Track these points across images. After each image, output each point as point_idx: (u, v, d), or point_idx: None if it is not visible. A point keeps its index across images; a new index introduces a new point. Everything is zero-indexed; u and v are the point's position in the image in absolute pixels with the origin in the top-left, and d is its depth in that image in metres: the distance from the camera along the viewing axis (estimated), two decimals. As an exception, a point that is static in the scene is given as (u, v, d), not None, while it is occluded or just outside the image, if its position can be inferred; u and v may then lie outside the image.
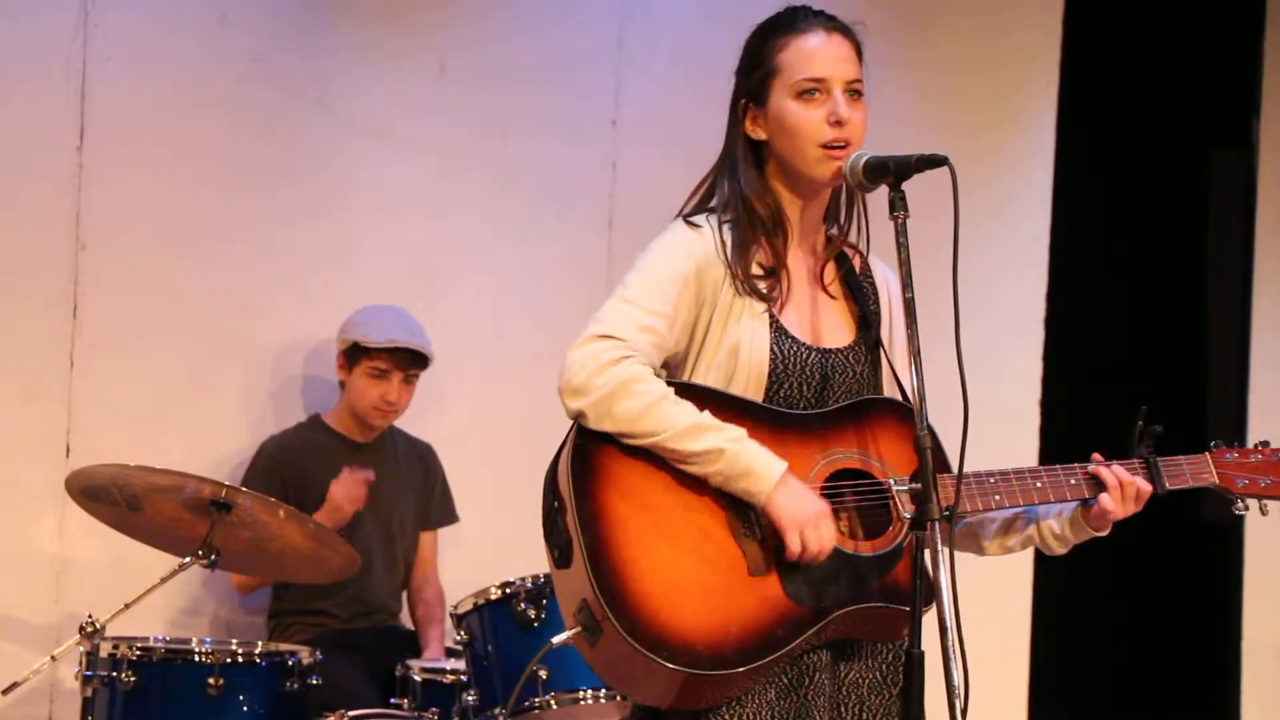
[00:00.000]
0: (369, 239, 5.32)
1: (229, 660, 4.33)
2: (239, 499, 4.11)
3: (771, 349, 2.88)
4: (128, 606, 4.11)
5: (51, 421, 4.90)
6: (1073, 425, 6.17)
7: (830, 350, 2.94)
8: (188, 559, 4.15)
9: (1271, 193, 6.57)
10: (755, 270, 2.91)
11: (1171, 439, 3.04)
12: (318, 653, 4.50)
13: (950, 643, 2.62)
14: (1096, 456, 3.00)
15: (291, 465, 4.99)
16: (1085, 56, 6.33)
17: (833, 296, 3.01)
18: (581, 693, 4.19)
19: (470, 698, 4.32)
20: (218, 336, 5.11)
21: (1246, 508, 3.08)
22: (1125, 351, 6.49)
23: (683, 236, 2.91)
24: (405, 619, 5.18)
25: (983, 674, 2.78)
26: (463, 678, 4.43)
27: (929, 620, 2.68)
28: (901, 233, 2.79)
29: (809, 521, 2.77)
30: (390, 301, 5.11)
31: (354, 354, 4.98)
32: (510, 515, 5.01)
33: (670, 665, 2.71)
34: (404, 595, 5.20)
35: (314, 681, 4.44)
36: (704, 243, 2.90)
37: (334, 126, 5.27)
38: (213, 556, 4.14)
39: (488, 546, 5.36)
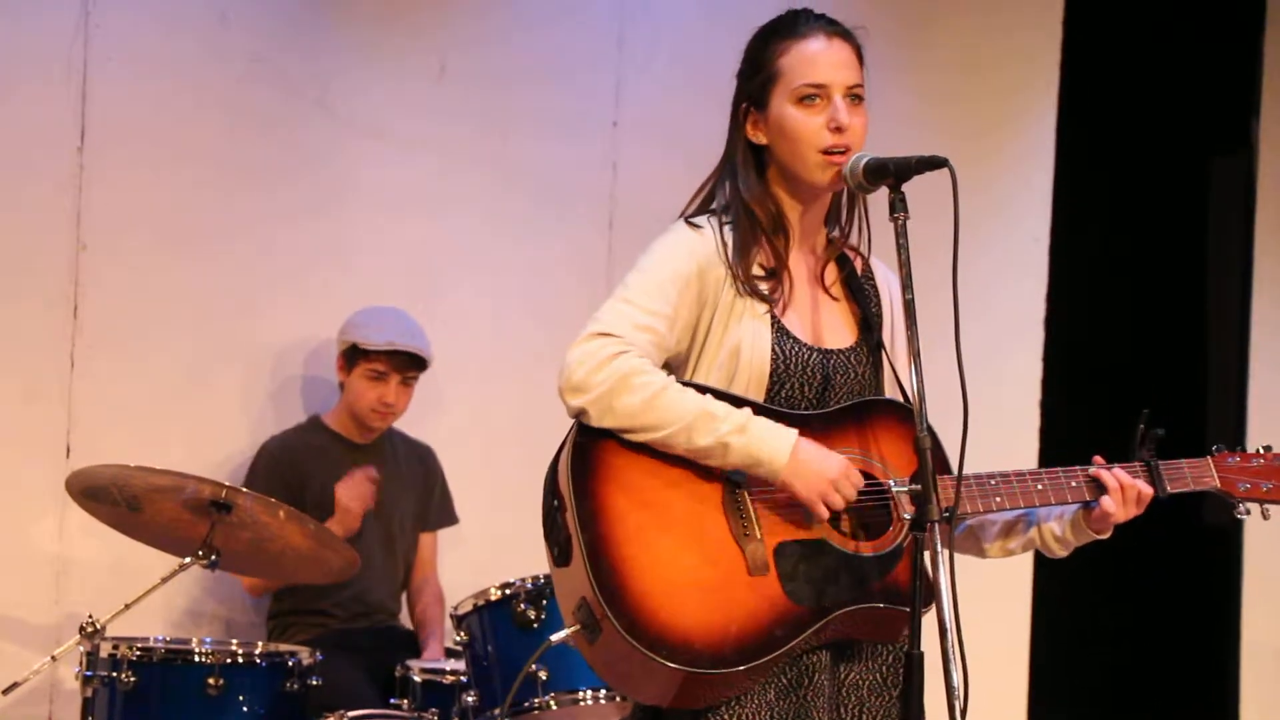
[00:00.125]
0: (369, 239, 5.32)
1: (229, 660, 4.33)
2: (239, 499, 4.11)
3: (773, 349, 2.89)
4: (128, 607, 4.11)
5: (52, 421, 4.90)
6: (1073, 426, 6.17)
7: (832, 351, 2.95)
8: (188, 559, 4.15)
9: (1271, 194, 6.57)
10: (756, 271, 2.92)
11: (1171, 440, 3.04)
12: (317, 653, 4.50)
13: (950, 644, 2.62)
14: (1098, 459, 3.00)
15: (292, 466, 4.99)
16: (1085, 58, 6.33)
17: (834, 298, 3.01)
18: (581, 693, 4.19)
19: (470, 698, 4.32)
20: (218, 337, 5.11)
21: (1248, 512, 3.09)
22: (1125, 353, 6.49)
23: (684, 237, 2.91)
24: (405, 619, 5.18)
25: (982, 676, 2.79)
26: (462, 678, 4.43)
27: (929, 621, 2.68)
28: (901, 234, 2.79)
29: (827, 489, 2.78)
30: (390, 302, 5.11)
31: (353, 356, 4.98)
32: (510, 516, 5.01)
33: (669, 664, 2.71)
34: (403, 596, 5.20)
35: (314, 682, 4.44)
36: (705, 243, 2.90)
37: (334, 126, 5.27)
38: (213, 557, 4.14)
39: (488, 547, 5.36)
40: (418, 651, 5.00)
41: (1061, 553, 3.04)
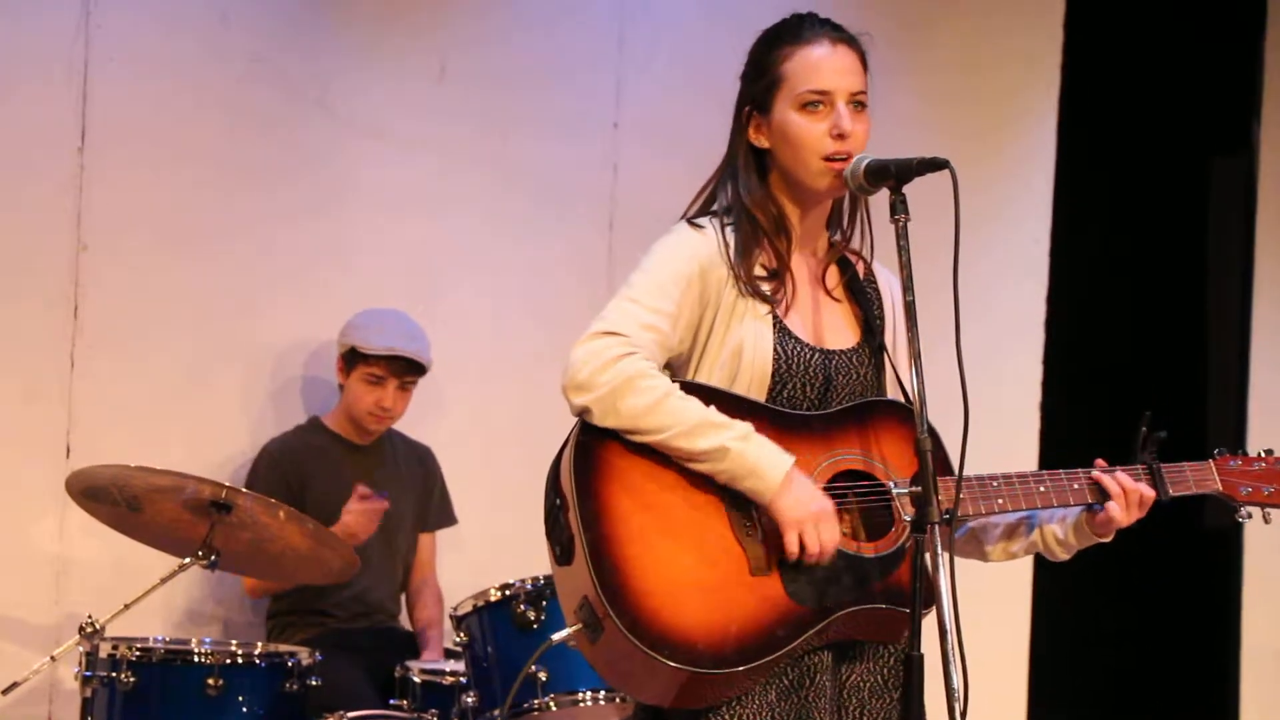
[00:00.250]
0: (369, 239, 5.32)
1: (228, 661, 4.33)
2: (239, 500, 4.11)
3: (775, 349, 2.89)
4: (127, 607, 4.11)
5: (52, 422, 4.90)
6: (1073, 428, 6.17)
7: (834, 351, 2.95)
8: (188, 560, 4.15)
9: (1272, 195, 6.57)
10: (758, 272, 2.92)
11: (1171, 443, 3.04)
12: (317, 654, 4.50)
13: (950, 646, 2.62)
14: (1100, 463, 3.00)
15: (293, 467, 4.99)
16: (1086, 59, 6.33)
17: (836, 300, 3.02)
18: (581, 694, 4.19)
19: (469, 699, 4.32)
20: (218, 337, 5.11)
21: (1249, 515, 3.09)
22: (1125, 354, 6.49)
23: (686, 238, 2.91)
24: (404, 620, 5.18)
25: (982, 678, 2.79)
26: (462, 679, 4.43)
27: (929, 623, 2.68)
28: (902, 235, 2.79)
29: (808, 522, 2.77)
30: (390, 302, 5.10)
31: (352, 358, 4.97)
32: (510, 516, 5.01)
33: (671, 663, 2.71)
34: (403, 597, 5.19)
35: (313, 682, 4.44)
36: (707, 244, 2.90)
37: (334, 127, 5.27)
38: (213, 557, 4.14)
39: (487, 548, 5.36)
40: (417, 652, 5.00)
41: (1064, 556, 3.04)
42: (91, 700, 4.17)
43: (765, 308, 2.90)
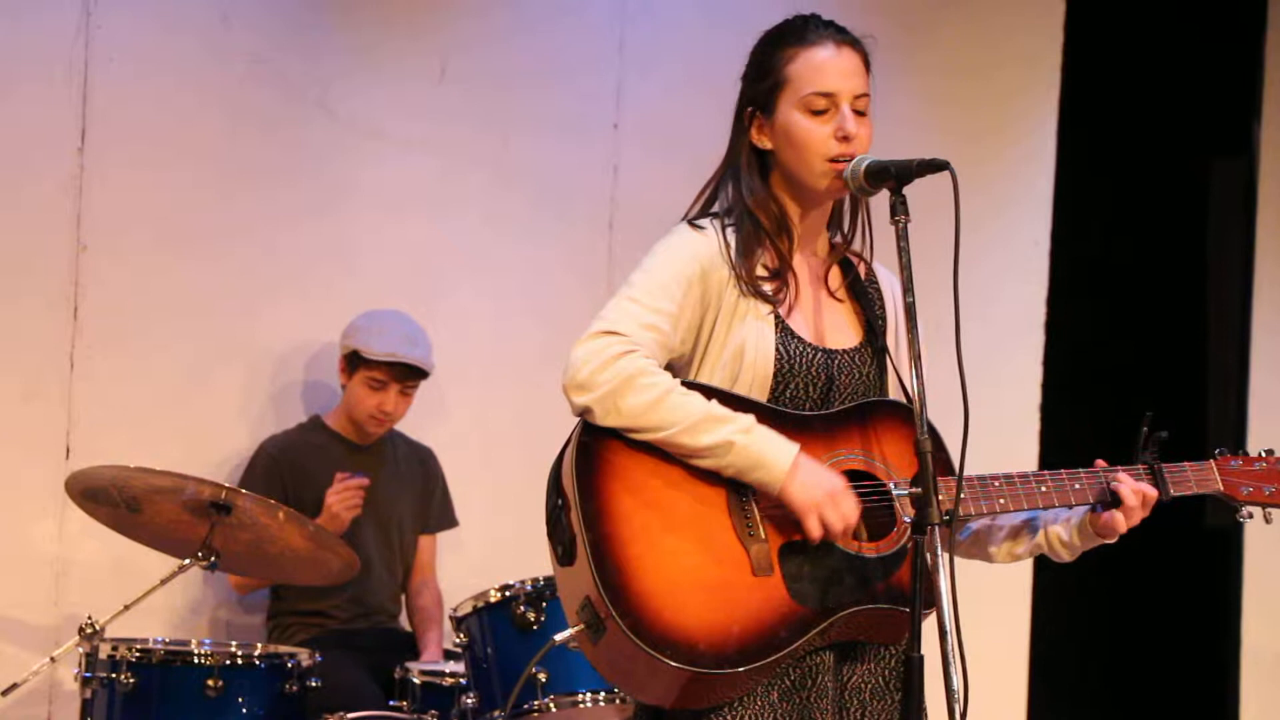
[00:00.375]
0: (369, 240, 5.32)
1: (228, 662, 4.33)
2: (239, 501, 4.11)
3: (777, 349, 2.89)
4: (127, 608, 4.12)
5: (51, 422, 4.90)
6: (1073, 430, 6.17)
7: (836, 351, 2.95)
8: (187, 560, 4.15)
9: (1272, 197, 6.57)
10: (760, 272, 2.92)
11: (1171, 443, 3.04)
12: (317, 654, 4.50)
13: (950, 647, 2.62)
14: (1101, 463, 3.00)
15: (291, 465, 4.99)
16: (1086, 61, 6.33)
17: (838, 300, 3.02)
18: (581, 695, 4.19)
19: (469, 700, 4.32)
20: (218, 338, 5.11)
21: (1250, 515, 3.09)
22: (1125, 355, 6.49)
23: (687, 238, 2.91)
24: (404, 621, 5.18)
25: (982, 679, 2.78)
26: (462, 680, 4.43)
27: (930, 624, 2.68)
28: (902, 237, 2.79)
29: (825, 503, 2.77)
30: (390, 303, 5.10)
31: (354, 361, 4.97)
32: (510, 518, 5.02)
33: (673, 664, 2.70)
34: (403, 598, 5.19)
35: (313, 683, 4.44)
36: (708, 244, 2.90)
37: (334, 128, 5.27)
38: (212, 558, 4.14)
39: (487, 549, 5.36)
40: (417, 653, 5.00)
41: (1068, 557, 3.04)
42: (91, 701, 4.17)
43: (767, 308, 2.90)
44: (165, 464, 4.20)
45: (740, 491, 2.82)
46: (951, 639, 2.62)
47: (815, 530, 2.77)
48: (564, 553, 2.80)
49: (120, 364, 4.97)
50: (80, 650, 4.10)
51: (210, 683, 4.27)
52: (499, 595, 4.31)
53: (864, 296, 3.03)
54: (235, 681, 4.32)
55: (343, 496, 4.81)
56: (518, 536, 4.46)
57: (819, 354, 2.92)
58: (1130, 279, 6.54)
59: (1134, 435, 3.02)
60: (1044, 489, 2.95)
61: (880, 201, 2.91)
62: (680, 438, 2.77)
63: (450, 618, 4.48)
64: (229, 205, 5.14)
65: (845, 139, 2.88)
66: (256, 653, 4.43)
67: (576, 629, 2.80)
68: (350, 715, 4.38)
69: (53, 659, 4.10)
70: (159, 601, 4.64)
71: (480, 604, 4.33)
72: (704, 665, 2.72)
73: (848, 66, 2.92)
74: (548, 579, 4.24)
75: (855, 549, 2.83)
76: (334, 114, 5.26)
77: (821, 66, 2.91)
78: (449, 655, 4.94)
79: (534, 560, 3.66)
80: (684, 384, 2.83)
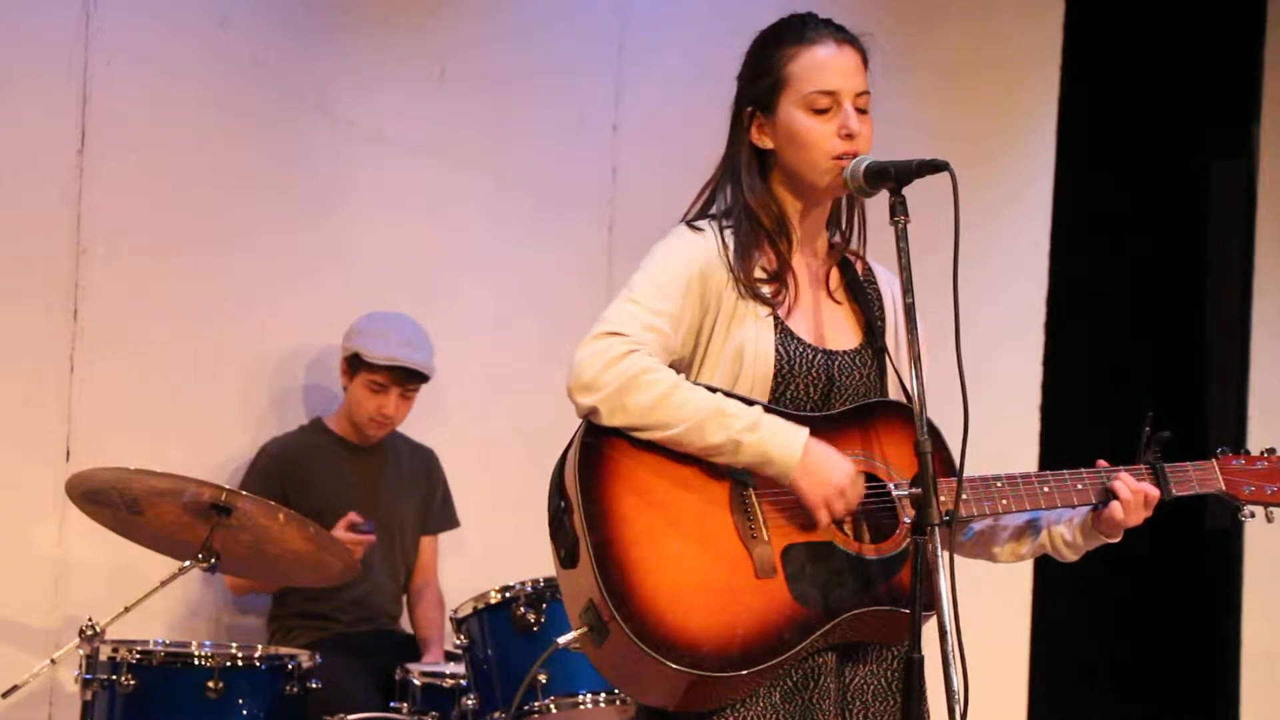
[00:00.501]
0: (369, 243, 5.33)
1: (229, 664, 4.33)
2: (239, 502, 4.11)
3: (777, 350, 2.89)
4: (127, 610, 4.11)
5: (52, 425, 4.89)
6: (1073, 431, 6.18)
7: (836, 352, 2.95)
8: (188, 562, 4.15)
9: (1272, 199, 6.57)
10: (758, 274, 2.92)
11: (1172, 444, 3.04)
12: (317, 656, 4.50)
13: (949, 648, 2.62)
14: (1102, 463, 3.00)
15: (291, 467, 4.99)
16: (1086, 62, 6.34)
17: (837, 302, 3.02)
18: (581, 697, 4.19)
19: (470, 702, 4.32)
20: (218, 340, 5.11)
21: (1252, 514, 3.09)
22: (1125, 356, 6.49)
23: (686, 240, 2.91)
24: (405, 623, 5.18)
25: (982, 680, 2.78)
26: (462, 682, 4.43)
27: (930, 625, 2.68)
28: (902, 238, 2.79)
29: (834, 494, 2.78)
30: (391, 305, 5.10)
31: (355, 364, 4.97)
32: (510, 519, 5.02)
33: (676, 666, 2.71)
34: (403, 599, 5.19)
35: (314, 685, 4.44)
36: (707, 246, 2.91)
37: (334, 131, 5.27)
38: (213, 560, 4.14)
39: (487, 551, 5.36)
40: (418, 655, 5.00)
41: (1072, 557, 3.04)
42: (92, 703, 4.16)
43: (765, 310, 2.90)
44: (165, 466, 4.20)
45: (743, 492, 2.82)
46: (951, 639, 2.62)
47: (824, 520, 2.80)
48: (567, 555, 2.80)
49: (121, 366, 4.97)
50: (81, 652, 4.10)
51: (211, 684, 4.27)
52: (499, 597, 4.31)
53: (863, 297, 3.03)
54: (236, 683, 4.32)
55: (349, 539, 4.74)
56: (518, 537, 4.45)
57: (819, 355, 2.92)
58: (1130, 279, 6.54)
59: (1135, 435, 3.02)
60: (1046, 489, 2.95)
61: (877, 199, 2.91)
62: (687, 435, 2.77)
63: (451, 619, 4.48)
64: (229, 208, 5.14)
65: (849, 137, 2.89)
66: (257, 654, 4.43)
67: (580, 632, 2.80)
68: (350, 717, 4.38)
69: (53, 661, 4.10)
70: (159, 603, 4.64)
71: (480, 605, 4.33)
72: (707, 668, 2.72)
73: (849, 64, 2.92)
74: (548, 580, 4.24)
75: (858, 551, 2.84)
76: (333, 116, 5.26)
77: (823, 65, 2.91)
78: (450, 657, 4.94)
79: (534, 561, 3.66)
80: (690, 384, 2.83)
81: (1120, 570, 5.31)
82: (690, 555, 2.76)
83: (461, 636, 4.38)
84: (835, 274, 3.03)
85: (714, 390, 2.83)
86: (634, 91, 5.68)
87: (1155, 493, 2.97)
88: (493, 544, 5.35)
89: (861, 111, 2.92)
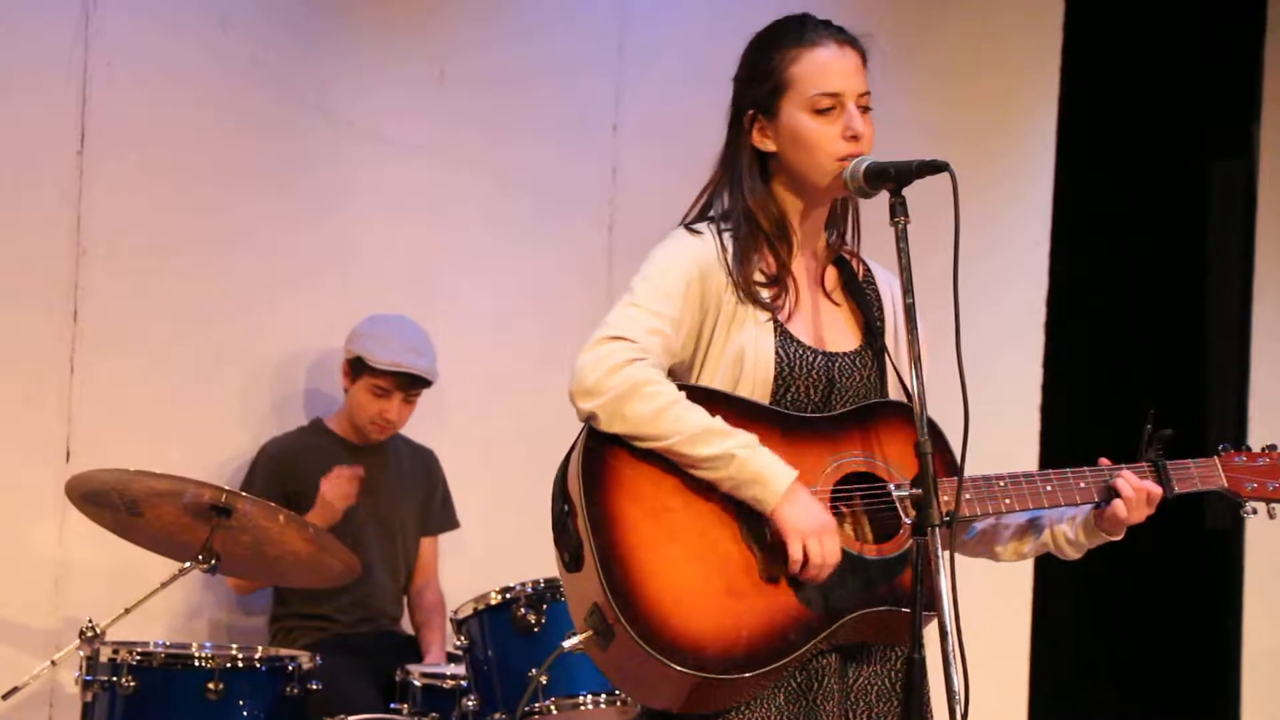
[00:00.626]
0: (369, 244, 5.32)
1: (229, 665, 4.33)
2: (239, 504, 4.11)
3: (777, 352, 2.88)
4: (128, 611, 4.11)
5: (52, 426, 4.89)
6: (1073, 431, 6.17)
7: (836, 354, 2.94)
8: (188, 564, 4.15)
9: (1272, 199, 6.57)
10: (758, 278, 2.92)
11: (1172, 443, 3.04)
12: (318, 657, 4.50)
13: (950, 648, 2.62)
14: (1104, 461, 3.00)
15: (291, 467, 4.98)
16: (1086, 62, 6.34)
17: (836, 303, 3.01)
18: (581, 698, 4.18)
19: (470, 703, 4.32)
20: (218, 341, 5.11)
21: (1254, 511, 3.09)
22: (1125, 356, 6.49)
23: (685, 243, 2.91)
24: (405, 624, 5.18)
25: (983, 679, 2.78)
26: (463, 683, 4.43)
27: (932, 625, 2.68)
28: (902, 238, 2.79)
29: (812, 534, 2.76)
30: (391, 306, 5.10)
31: (358, 367, 4.97)
32: (511, 520, 5.02)
33: (682, 669, 2.70)
34: (404, 600, 5.19)
35: (314, 686, 4.44)
36: (706, 249, 2.90)
37: (334, 131, 5.27)
38: (213, 561, 4.14)
39: (488, 551, 5.36)
40: (418, 656, 5.00)
41: (1075, 555, 3.04)
42: (92, 705, 4.16)
43: (765, 314, 2.90)
44: (165, 467, 4.20)
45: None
46: (952, 639, 2.62)
47: (797, 554, 2.76)
48: (571, 559, 2.80)
49: (121, 367, 4.97)
50: (81, 653, 4.10)
51: (211, 685, 4.27)
52: (500, 597, 4.31)
53: (862, 297, 3.03)
54: (236, 684, 4.31)
55: (336, 484, 4.82)
56: (519, 538, 4.46)
57: (819, 357, 2.92)
58: (1130, 279, 6.54)
59: (1136, 435, 3.02)
60: (1048, 488, 2.95)
61: (876, 201, 2.91)
62: (681, 447, 2.77)
63: (451, 620, 4.48)
64: (229, 208, 5.13)
65: (854, 138, 2.88)
66: (257, 655, 4.43)
67: (584, 635, 2.80)
68: (351, 718, 4.38)
69: (53, 662, 4.10)
70: (159, 605, 4.64)
71: (481, 606, 4.33)
72: (712, 670, 2.72)
73: (851, 65, 2.92)
74: (548, 581, 4.25)
75: (858, 550, 2.83)
76: (333, 116, 5.26)
77: (825, 66, 2.90)
78: (450, 657, 4.94)
79: (535, 562, 3.66)
80: (692, 387, 2.84)
81: (1121, 569, 5.31)
82: (695, 558, 2.76)
83: (462, 637, 4.38)
84: (833, 273, 3.03)
85: (718, 393, 2.83)
86: (634, 91, 5.68)
87: (1158, 490, 2.97)
88: (493, 545, 5.35)
89: (864, 111, 2.92)
